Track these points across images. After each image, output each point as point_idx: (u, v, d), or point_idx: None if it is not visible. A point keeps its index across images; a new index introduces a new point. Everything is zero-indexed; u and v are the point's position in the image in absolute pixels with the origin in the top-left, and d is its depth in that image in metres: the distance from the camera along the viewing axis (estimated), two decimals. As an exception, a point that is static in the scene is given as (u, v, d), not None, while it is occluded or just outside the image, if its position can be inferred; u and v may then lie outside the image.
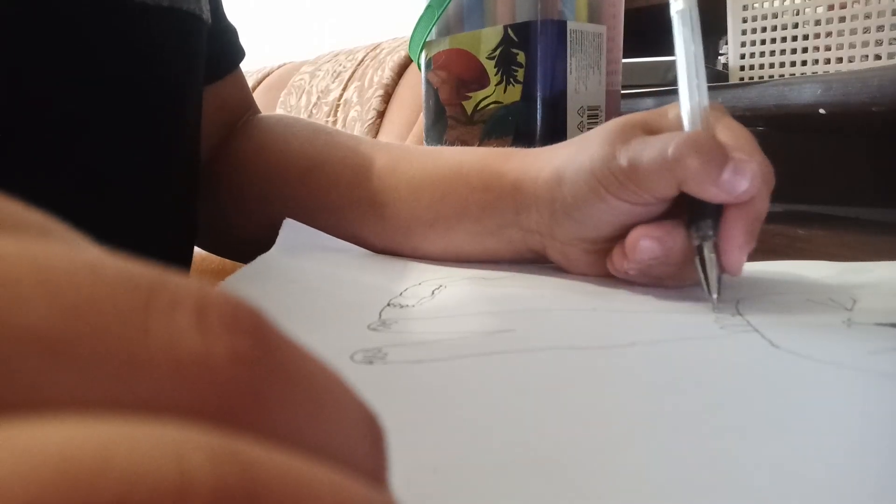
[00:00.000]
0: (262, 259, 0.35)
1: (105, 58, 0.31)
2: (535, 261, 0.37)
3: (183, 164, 0.38)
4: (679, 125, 0.31)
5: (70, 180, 0.31)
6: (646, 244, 0.30)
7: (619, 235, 0.32)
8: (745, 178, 0.28)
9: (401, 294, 0.30)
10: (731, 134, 0.30)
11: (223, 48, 0.44)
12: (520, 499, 0.13)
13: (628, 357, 0.22)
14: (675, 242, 0.30)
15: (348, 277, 0.34)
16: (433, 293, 0.30)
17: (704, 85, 0.31)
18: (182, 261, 0.40)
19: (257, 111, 0.49)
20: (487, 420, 0.17)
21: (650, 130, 0.31)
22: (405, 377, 0.20)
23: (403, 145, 0.42)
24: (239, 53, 0.46)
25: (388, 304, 0.28)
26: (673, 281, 0.32)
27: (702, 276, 0.29)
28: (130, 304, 0.07)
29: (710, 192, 0.28)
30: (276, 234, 0.39)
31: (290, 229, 0.38)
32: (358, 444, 0.08)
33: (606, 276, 0.33)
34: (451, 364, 0.21)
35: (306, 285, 0.32)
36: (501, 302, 0.29)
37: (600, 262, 0.33)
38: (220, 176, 0.44)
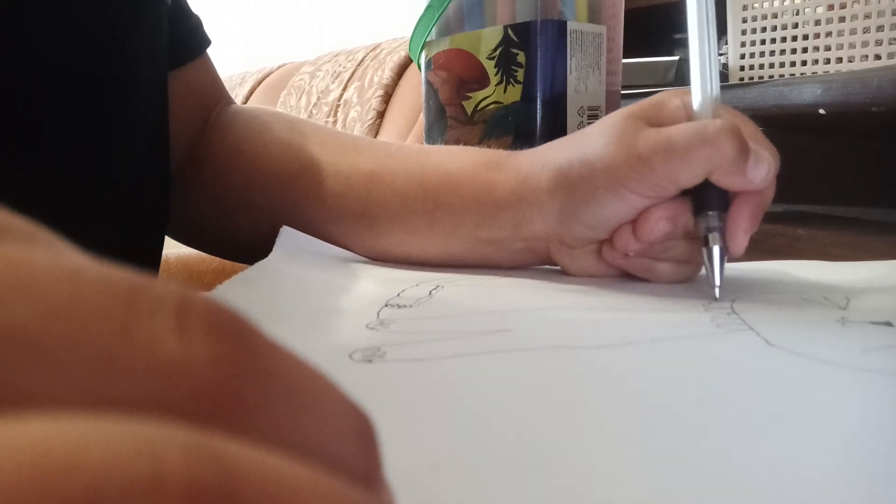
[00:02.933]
0: (259, 266, 0.35)
1: (54, 34, 0.30)
2: (540, 265, 0.36)
3: (145, 148, 0.36)
4: (680, 116, 0.31)
5: (20, 165, 0.30)
6: (662, 225, 0.30)
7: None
8: (764, 167, 0.29)
9: (398, 295, 0.30)
10: (741, 124, 0.30)
11: (188, 32, 0.42)
12: (518, 496, 0.13)
13: (626, 356, 0.22)
14: (684, 220, 0.30)
15: (345, 280, 0.34)
16: (430, 294, 0.30)
17: (717, 74, 0.31)
18: (151, 248, 0.39)
19: (230, 101, 0.47)
20: (486, 418, 0.17)
21: (651, 122, 0.31)
22: (404, 376, 0.20)
23: (386, 146, 0.40)
24: (205, 40, 0.45)
25: (386, 305, 0.28)
26: (660, 271, 0.32)
27: (707, 265, 0.29)
28: (112, 307, 0.07)
29: (734, 181, 0.29)
30: (260, 238, 0.38)
31: (288, 237, 0.38)
32: (346, 444, 0.08)
33: (613, 277, 0.33)
34: (450, 363, 0.21)
35: (304, 289, 0.32)
36: (499, 302, 0.29)
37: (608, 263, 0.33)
38: (197, 175, 0.43)
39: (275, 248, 0.37)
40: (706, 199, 0.29)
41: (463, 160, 0.37)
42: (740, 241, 0.29)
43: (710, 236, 0.29)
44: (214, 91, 0.46)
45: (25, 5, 0.29)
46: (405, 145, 0.41)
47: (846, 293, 0.29)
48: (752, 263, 0.38)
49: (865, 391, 0.19)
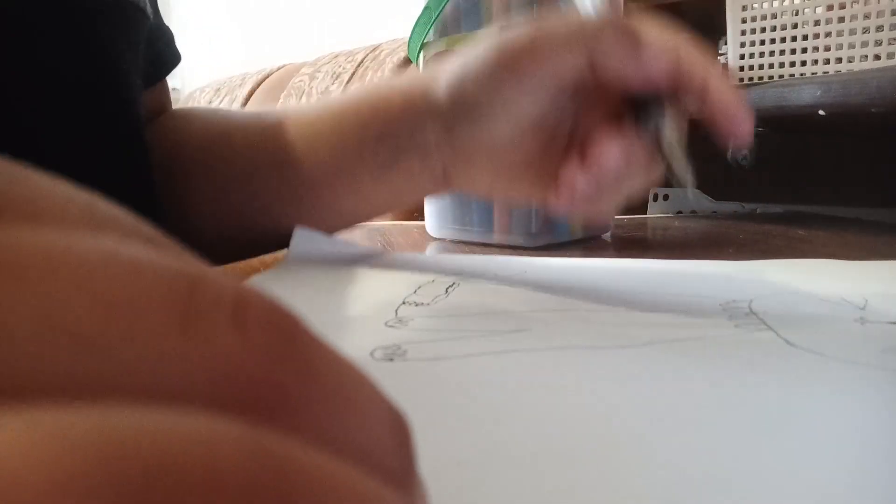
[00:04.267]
0: (276, 269, 0.35)
1: (44, 45, 0.30)
2: (441, 192, 0.35)
3: (131, 156, 0.37)
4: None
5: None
6: (612, 150, 0.28)
7: (520, 145, 0.30)
8: (664, 41, 0.27)
9: (415, 292, 0.31)
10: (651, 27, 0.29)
11: (160, 51, 0.42)
12: (542, 492, 0.13)
13: (645, 356, 0.22)
14: (635, 143, 0.28)
15: (361, 279, 0.34)
16: (447, 291, 0.31)
17: None
18: None
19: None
20: (509, 417, 0.17)
21: None
22: (426, 374, 0.20)
23: (303, 104, 0.41)
24: (175, 58, 0.45)
25: (404, 303, 0.29)
26: (605, 206, 0.30)
27: (671, 164, 0.27)
28: (169, 300, 0.07)
29: (627, 64, 0.27)
30: (194, 219, 0.39)
31: (302, 237, 0.38)
32: (384, 443, 0.08)
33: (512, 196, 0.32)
34: (470, 362, 0.21)
35: (321, 287, 0.32)
36: (515, 302, 0.29)
37: (507, 184, 0.31)
38: None
39: (290, 249, 0.37)
40: (639, 101, 0.27)
41: (366, 89, 0.37)
42: (739, 118, 0.26)
43: (661, 129, 0.27)
44: (165, 109, 0.46)
45: (32, 22, 0.29)
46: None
47: (865, 293, 0.30)
48: (767, 262, 0.38)
49: (886, 391, 0.19)
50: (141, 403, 0.06)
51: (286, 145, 0.37)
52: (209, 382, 0.07)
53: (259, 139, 0.38)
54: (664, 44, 0.27)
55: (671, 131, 0.27)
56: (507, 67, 0.29)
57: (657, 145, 0.27)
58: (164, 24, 0.44)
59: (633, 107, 0.28)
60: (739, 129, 0.27)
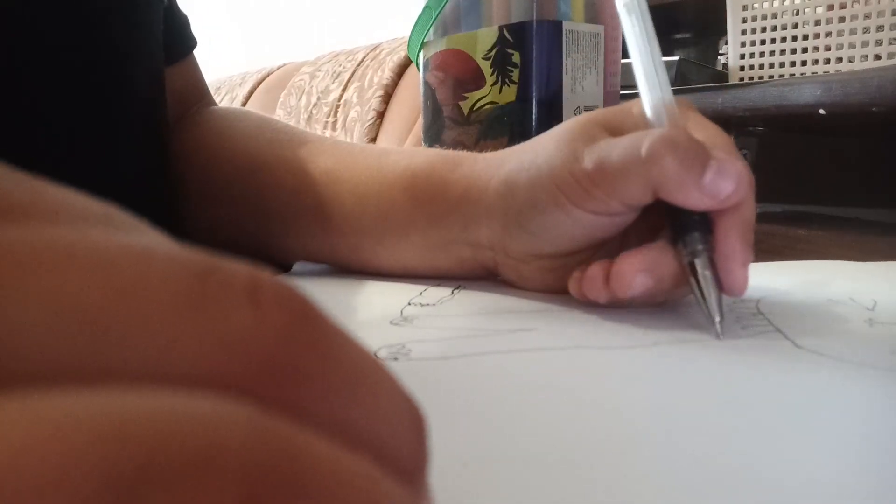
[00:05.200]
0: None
1: (50, 31, 0.30)
2: (489, 277, 0.34)
3: (141, 144, 0.36)
4: (646, 123, 0.28)
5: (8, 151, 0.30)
6: (641, 279, 0.26)
7: (579, 250, 0.29)
8: (730, 179, 0.25)
9: (420, 294, 0.31)
10: (705, 132, 0.27)
11: (172, 35, 0.42)
12: (547, 493, 0.13)
13: (651, 357, 0.22)
14: (667, 268, 0.26)
15: (367, 282, 0.34)
16: (453, 293, 0.31)
17: (666, 78, 0.28)
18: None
19: (211, 102, 0.47)
20: (514, 417, 0.17)
21: (613, 129, 0.28)
22: (430, 373, 0.20)
23: (351, 146, 0.39)
24: (189, 42, 0.45)
25: (409, 304, 0.29)
26: (635, 304, 0.28)
27: (699, 297, 0.25)
28: (183, 283, 0.07)
29: (692, 198, 0.25)
30: (219, 237, 0.40)
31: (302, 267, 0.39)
32: (399, 432, 0.08)
33: (564, 294, 0.30)
34: (475, 361, 0.21)
35: (326, 289, 0.32)
36: (521, 302, 0.29)
37: (558, 281, 0.30)
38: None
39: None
40: (681, 220, 0.25)
41: (422, 160, 0.35)
42: (738, 276, 0.25)
43: (697, 261, 0.25)
44: (194, 93, 0.46)
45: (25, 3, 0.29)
46: (369, 146, 0.40)
47: (873, 294, 0.29)
48: (775, 263, 0.38)
49: (895, 393, 0.19)
50: (149, 386, 0.06)
51: (331, 199, 0.36)
52: (223, 361, 0.07)
53: (303, 182, 0.37)
54: (731, 173, 0.25)
55: (707, 259, 0.25)
56: (565, 191, 0.27)
57: (692, 270, 0.25)
58: (175, 7, 0.44)
59: (671, 222, 0.26)
60: (734, 281, 0.25)
